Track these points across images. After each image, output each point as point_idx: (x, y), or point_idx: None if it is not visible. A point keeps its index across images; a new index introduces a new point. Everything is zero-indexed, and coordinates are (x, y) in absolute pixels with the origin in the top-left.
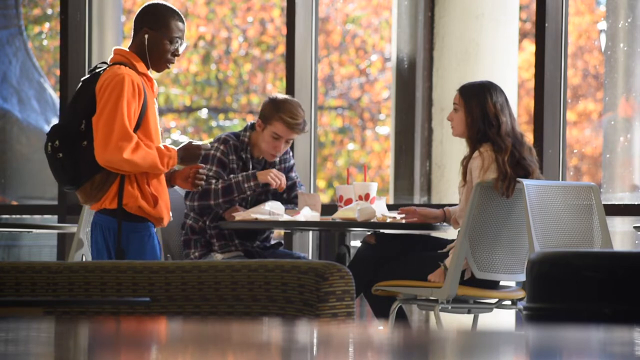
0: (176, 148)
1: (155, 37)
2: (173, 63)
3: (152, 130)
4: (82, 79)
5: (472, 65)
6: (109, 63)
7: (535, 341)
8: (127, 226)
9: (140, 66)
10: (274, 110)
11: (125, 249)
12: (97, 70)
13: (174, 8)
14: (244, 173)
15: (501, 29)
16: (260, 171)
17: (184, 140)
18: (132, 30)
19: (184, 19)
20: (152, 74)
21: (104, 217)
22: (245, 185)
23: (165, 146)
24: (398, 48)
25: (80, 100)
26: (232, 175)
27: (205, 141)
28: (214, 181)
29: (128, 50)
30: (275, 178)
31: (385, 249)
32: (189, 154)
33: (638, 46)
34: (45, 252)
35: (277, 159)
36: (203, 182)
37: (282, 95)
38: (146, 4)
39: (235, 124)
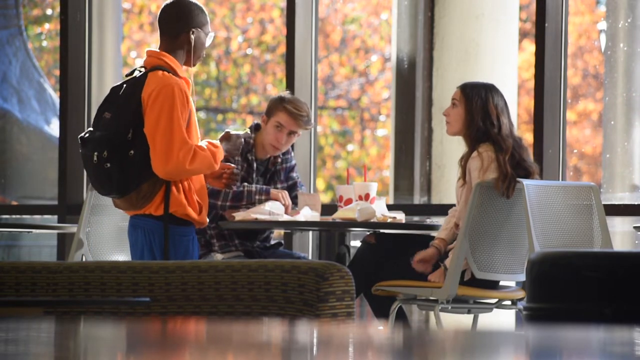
0: (218, 142)
1: (199, 35)
2: (204, 56)
3: (193, 131)
4: (118, 85)
5: (472, 65)
6: (146, 67)
7: (535, 341)
8: (174, 230)
9: (180, 70)
10: (278, 102)
11: (171, 253)
12: (134, 76)
13: (197, 2)
14: (258, 185)
15: (501, 29)
16: (274, 189)
17: None
18: (167, 31)
19: None
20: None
21: (148, 220)
22: (257, 198)
23: (210, 143)
24: (398, 48)
25: (125, 109)
26: (245, 184)
27: (241, 131)
28: None
29: (163, 52)
30: (285, 198)
31: (385, 249)
32: (231, 145)
33: (638, 46)
34: (45, 252)
35: (280, 159)
36: (238, 183)
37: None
38: (176, 3)
39: (237, 127)
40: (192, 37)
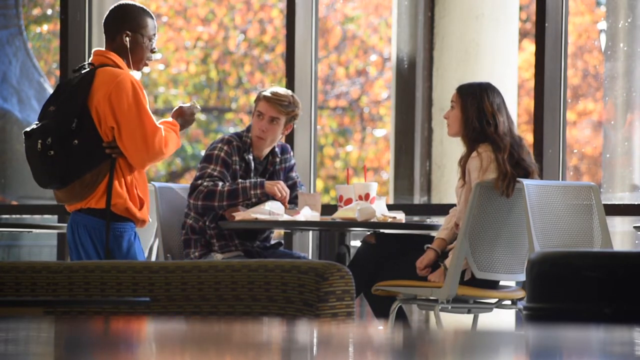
0: (171, 119)
1: (136, 38)
2: (151, 60)
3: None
4: (66, 81)
5: (472, 65)
6: (94, 64)
7: (535, 341)
8: (114, 226)
9: (125, 68)
10: (258, 95)
11: (112, 250)
12: (82, 72)
13: (143, 6)
14: (252, 180)
15: (501, 29)
16: (269, 181)
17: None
18: (107, 33)
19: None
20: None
21: (89, 217)
22: (252, 192)
23: (168, 122)
24: (398, 48)
25: (70, 101)
26: (239, 180)
27: (190, 103)
28: (220, 183)
29: (109, 51)
30: (281, 190)
31: (385, 249)
32: (184, 120)
33: (638, 46)
34: (45, 252)
35: (278, 159)
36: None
37: None
38: (117, 6)
39: (237, 128)
40: (126, 40)
